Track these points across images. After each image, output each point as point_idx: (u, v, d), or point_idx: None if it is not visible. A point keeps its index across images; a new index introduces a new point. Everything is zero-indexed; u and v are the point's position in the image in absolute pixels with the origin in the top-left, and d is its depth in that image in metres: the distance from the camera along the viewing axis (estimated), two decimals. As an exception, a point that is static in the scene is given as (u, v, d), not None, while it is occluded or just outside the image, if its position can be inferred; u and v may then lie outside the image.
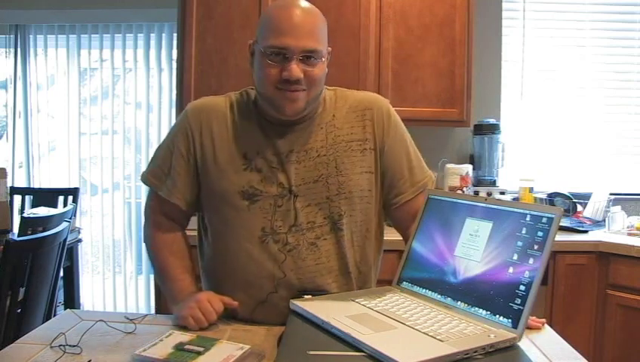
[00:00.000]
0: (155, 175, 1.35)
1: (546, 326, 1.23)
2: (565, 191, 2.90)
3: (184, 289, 1.29)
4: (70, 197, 3.37)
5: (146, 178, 1.37)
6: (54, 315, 2.30)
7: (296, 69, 1.18)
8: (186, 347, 1.02)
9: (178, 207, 1.34)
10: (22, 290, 2.05)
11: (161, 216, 1.37)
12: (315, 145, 1.28)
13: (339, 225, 1.28)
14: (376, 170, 1.33)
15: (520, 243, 1.06)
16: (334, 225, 1.28)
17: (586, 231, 2.58)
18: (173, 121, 3.41)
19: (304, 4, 1.23)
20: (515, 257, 1.06)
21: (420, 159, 1.39)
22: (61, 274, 2.43)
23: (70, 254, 3.06)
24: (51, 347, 1.06)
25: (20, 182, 3.62)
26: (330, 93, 1.34)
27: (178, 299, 1.27)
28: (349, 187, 1.29)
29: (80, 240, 3.24)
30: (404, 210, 1.36)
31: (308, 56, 1.19)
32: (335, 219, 1.28)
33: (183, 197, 1.33)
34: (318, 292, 1.28)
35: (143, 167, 3.63)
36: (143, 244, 1.48)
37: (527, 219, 1.07)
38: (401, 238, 1.41)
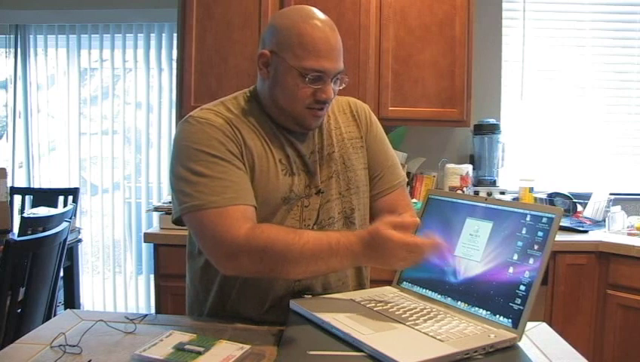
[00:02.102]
0: (224, 191, 1.15)
1: (546, 326, 1.23)
2: (565, 191, 2.90)
3: (345, 237, 1.13)
4: (70, 197, 3.37)
5: (209, 202, 1.14)
6: (54, 315, 2.29)
7: (331, 91, 1.22)
8: (186, 347, 1.02)
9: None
10: (22, 290, 2.05)
11: (245, 224, 1.15)
12: (324, 144, 1.33)
13: (351, 220, 1.33)
14: (366, 165, 1.39)
15: (520, 243, 1.06)
16: (346, 220, 1.33)
17: (586, 231, 2.58)
18: (173, 121, 3.43)
19: (327, 19, 1.22)
20: (515, 257, 1.06)
21: (396, 159, 1.45)
22: (61, 274, 2.43)
23: (70, 254, 3.05)
24: (51, 347, 1.06)
25: (20, 182, 3.62)
26: None
27: (359, 248, 1.11)
28: (357, 182, 1.34)
29: (80, 240, 3.23)
30: (381, 205, 1.40)
31: (337, 77, 1.23)
32: (347, 213, 1.33)
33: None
34: (318, 292, 1.28)
35: (143, 167, 3.66)
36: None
37: (528, 219, 1.07)
38: None
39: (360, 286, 1.38)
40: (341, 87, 1.26)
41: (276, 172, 1.24)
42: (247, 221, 1.15)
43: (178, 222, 1.22)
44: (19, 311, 2.04)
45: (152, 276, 2.88)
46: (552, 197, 2.88)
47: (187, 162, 1.18)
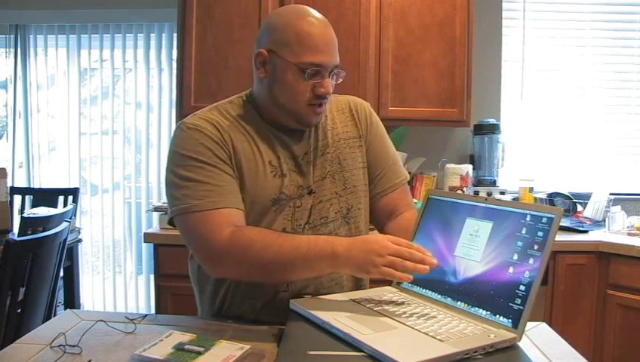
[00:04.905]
0: (207, 195, 1.18)
1: (546, 326, 1.23)
2: (565, 191, 2.90)
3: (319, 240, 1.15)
4: (70, 197, 3.37)
5: (193, 205, 1.18)
6: (54, 315, 2.29)
7: (330, 85, 1.24)
8: (186, 347, 1.02)
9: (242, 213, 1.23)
10: (22, 290, 2.05)
11: (227, 228, 1.18)
12: (319, 144, 1.33)
13: (347, 219, 1.33)
14: (365, 165, 1.39)
15: (520, 243, 1.06)
16: (343, 219, 1.33)
17: (586, 231, 2.58)
18: (173, 121, 3.42)
19: (322, 17, 1.25)
20: (515, 257, 1.06)
21: (398, 158, 1.46)
22: (61, 274, 2.43)
23: (70, 254, 3.06)
24: (51, 347, 1.06)
25: (20, 182, 3.62)
26: None
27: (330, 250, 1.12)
28: (353, 182, 1.35)
29: (80, 240, 3.23)
30: (382, 205, 1.41)
31: (334, 71, 1.25)
32: (344, 213, 1.33)
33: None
34: (310, 293, 1.28)
35: (143, 167, 3.66)
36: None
37: (527, 219, 1.07)
38: None
39: (357, 287, 1.37)
40: (338, 82, 1.28)
41: (265, 174, 1.25)
42: (229, 225, 1.17)
43: (172, 223, 1.26)
44: (19, 311, 2.04)
45: (152, 276, 2.88)
46: (552, 197, 2.88)
47: (175, 168, 1.23)
